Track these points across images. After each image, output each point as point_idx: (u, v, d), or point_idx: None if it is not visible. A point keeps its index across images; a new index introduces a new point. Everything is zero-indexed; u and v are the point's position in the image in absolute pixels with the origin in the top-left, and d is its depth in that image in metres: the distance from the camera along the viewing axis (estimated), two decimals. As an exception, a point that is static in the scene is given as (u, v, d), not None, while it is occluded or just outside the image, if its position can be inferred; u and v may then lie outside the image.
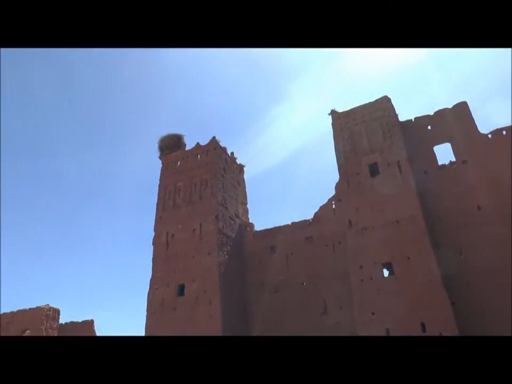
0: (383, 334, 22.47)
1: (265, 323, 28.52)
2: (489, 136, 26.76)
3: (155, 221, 32.59)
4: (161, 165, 35.44)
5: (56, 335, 33.25)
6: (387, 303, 23.07)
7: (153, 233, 32.02)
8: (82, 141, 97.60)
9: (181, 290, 28.74)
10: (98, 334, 34.05)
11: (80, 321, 32.31)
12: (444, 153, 28.00)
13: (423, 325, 21.93)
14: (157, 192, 34.20)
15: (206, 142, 34.53)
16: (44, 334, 32.39)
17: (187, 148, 35.60)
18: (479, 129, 27.23)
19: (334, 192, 30.46)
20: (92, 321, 31.60)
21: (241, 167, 37.98)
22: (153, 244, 31.47)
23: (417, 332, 21.75)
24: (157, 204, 33.49)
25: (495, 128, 26.57)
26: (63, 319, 34.87)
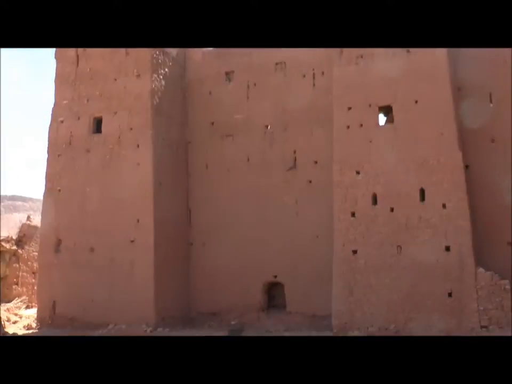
0: (368, 199, 20.65)
1: (212, 175, 25.67)
2: None
3: (59, 23, 26.67)
4: None
5: None
6: (379, 160, 20.78)
7: (56, 42, 26.47)
8: None
9: (97, 125, 25.02)
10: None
11: None
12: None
13: (422, 192, 19.95)
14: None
15: None
16: None
17: None
18: None
19: (321, 0, 25.13)
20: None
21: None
22: (56, 58, 26.53)
23: (414, 201, 19.91)
24: (61, -2, 27.12)
25: None
26: None
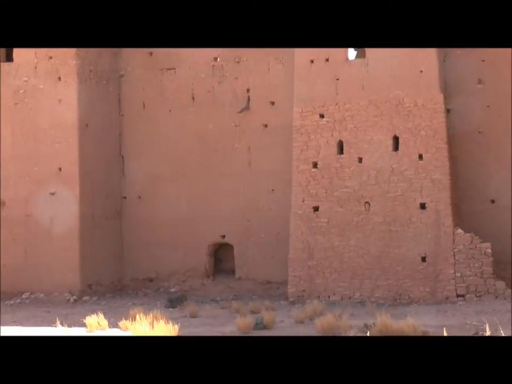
0: (333, 147, 20.26)
1: (150, 116, 24.32)
2: None
3: None
4: None
5: None
6: (346, 102, 20.37)
7: None
8: None
9: (8, 52, 23.37)
10: None
11: None
12: None
13: (396, 140, 19.60)
14: None
15: None
16: None
17: None
18: None
19: None
20: None
21: None
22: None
23: (386, 150, 19.72)
24: None
25: None
26: None
